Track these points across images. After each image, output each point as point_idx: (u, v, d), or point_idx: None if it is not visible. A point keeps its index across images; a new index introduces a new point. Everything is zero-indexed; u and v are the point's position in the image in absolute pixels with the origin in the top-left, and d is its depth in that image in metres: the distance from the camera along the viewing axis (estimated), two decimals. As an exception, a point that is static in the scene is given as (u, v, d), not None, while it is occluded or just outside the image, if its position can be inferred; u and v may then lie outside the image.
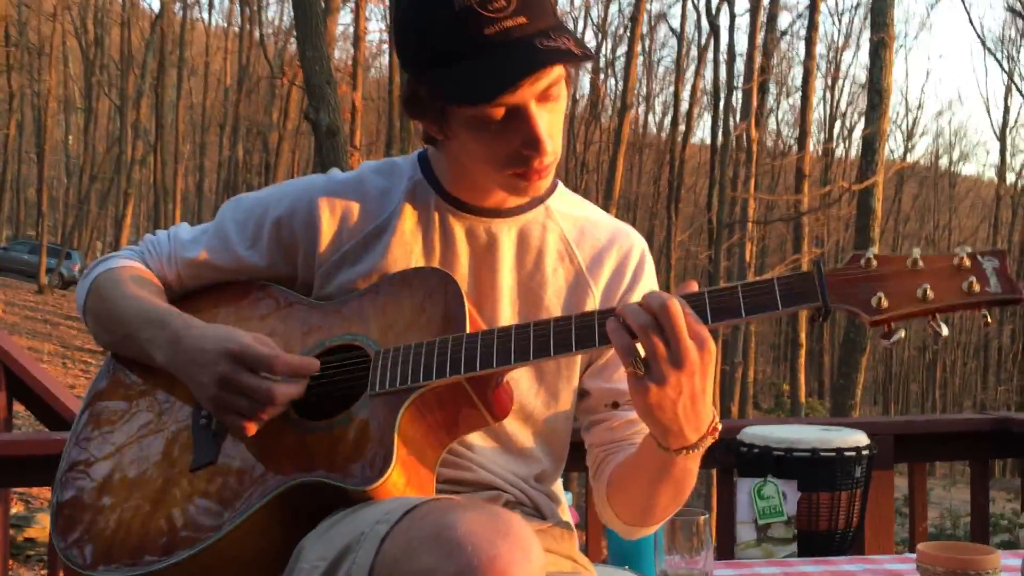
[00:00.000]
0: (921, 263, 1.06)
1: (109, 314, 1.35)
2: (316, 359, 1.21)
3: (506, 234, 1.35)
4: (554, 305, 1.35)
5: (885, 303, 1.05)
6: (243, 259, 1.37)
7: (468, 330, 1.19)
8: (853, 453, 2.28)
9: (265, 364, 1.17)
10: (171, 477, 1.23)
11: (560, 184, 1.42)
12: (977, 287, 1.03)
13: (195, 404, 1.28)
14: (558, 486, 1.45)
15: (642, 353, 1.07)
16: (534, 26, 1.15)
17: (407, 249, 1.32)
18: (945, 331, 1.06)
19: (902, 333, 1.07)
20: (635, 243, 1.42)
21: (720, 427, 1.16)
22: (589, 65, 1.28)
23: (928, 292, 1.04)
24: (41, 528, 7.45)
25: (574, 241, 1.38)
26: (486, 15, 1.13)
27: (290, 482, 1.14)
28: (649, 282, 1.41)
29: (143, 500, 1.22)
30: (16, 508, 7.86)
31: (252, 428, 1.18)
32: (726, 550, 2.38)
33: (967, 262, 1.05)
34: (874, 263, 1.07)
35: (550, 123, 1.21)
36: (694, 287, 1.13)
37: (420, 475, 1.16)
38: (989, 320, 1.07)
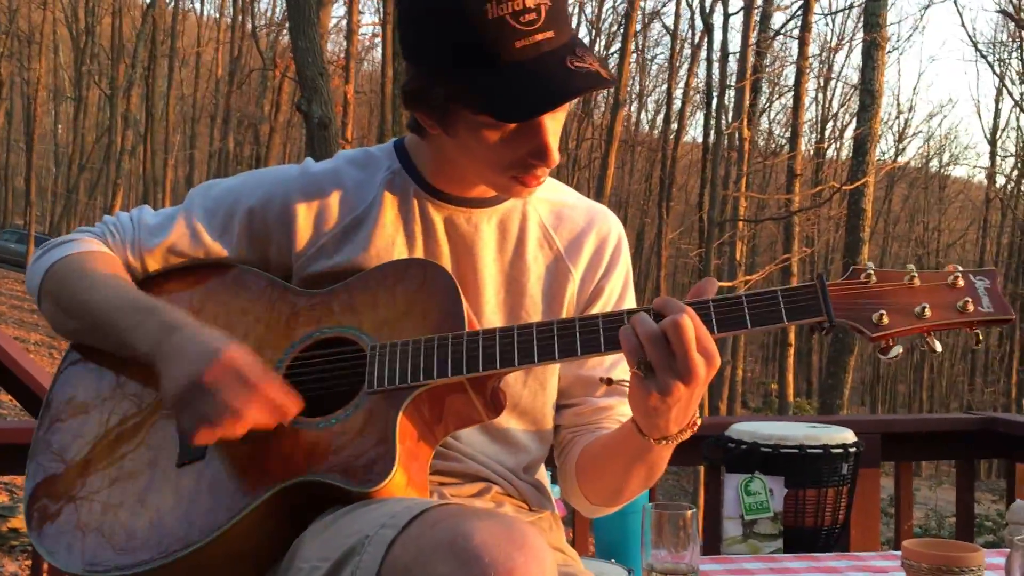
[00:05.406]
0: (918, 280, 1.10)
1: (75, 301, 1.28)
2: (299, 401, 1.15)
3: (486, 223, 1.35)
4: (536, 291, 1.36)
5: (886, 320, 1.08)
6: (212, 248, 1.34)
7: (466, 326, 1.18)
8: (840, 450, 2.29)
9: (250, 386, 1.12)
10: (156, 472, 1.19)
11: None
12: (971, 307, 1.08)
13: None
14: (543, 474, 1.45)
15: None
16: (559, 40, 1.15)
17: (387, 240, 1.31)
18: (938, 347, 1.10)
19: (900, 349, 1.10)
20: (612, 227, 1.42)
21: (699, 423, 1.18)
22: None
23: (926, 311, 1.08)
24: (26, 518, 7.39)
25: (552, 226, 1.39)
26: (519, 28, 1.11)
27: (289, 481, 1.12)
28: (625, 267, 1.42)
29: (127, 496, 1.18)
30: (0, 498, 7.82)
31: (203, 439, 1.12)
32: (713, 546, 2.39)
33: (961, 281, 1.09)
34: (874, 278, 1.10)
35: (554, 133, 1.21)
36: (712, 287, 1.12)
37: (418, 472, 1.16)
38: (980, 339, 1.11)
